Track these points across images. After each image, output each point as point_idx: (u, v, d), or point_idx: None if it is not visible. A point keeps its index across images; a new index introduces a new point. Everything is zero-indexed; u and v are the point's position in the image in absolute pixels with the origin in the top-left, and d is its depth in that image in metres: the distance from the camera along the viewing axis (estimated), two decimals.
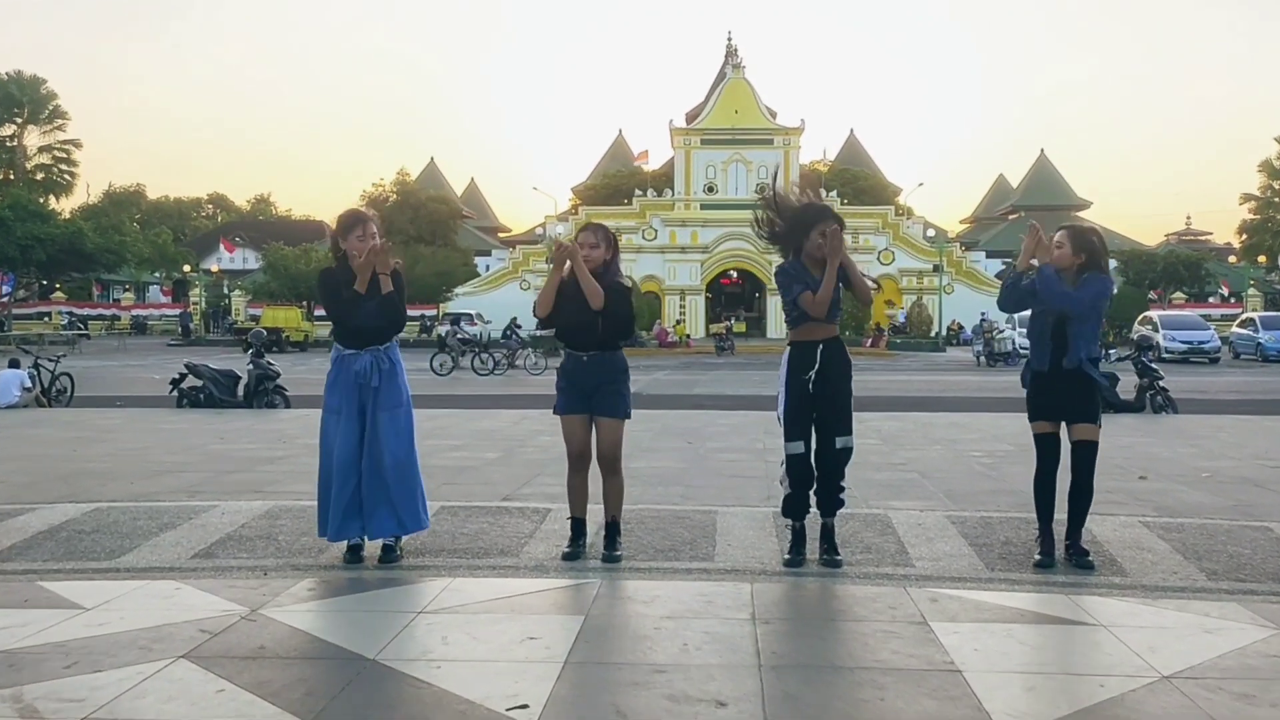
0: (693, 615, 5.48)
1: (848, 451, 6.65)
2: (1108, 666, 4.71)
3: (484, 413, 17.88)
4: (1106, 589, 6.12)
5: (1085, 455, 6.62)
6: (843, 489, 6.72)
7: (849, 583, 6.23)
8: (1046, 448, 6.71)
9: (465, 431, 14.45)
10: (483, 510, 8.34)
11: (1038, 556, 6.67)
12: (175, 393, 19.62)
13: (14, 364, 20.91)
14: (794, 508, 6.74)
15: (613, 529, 6.90)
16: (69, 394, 22.22)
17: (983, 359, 40.42)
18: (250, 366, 19.72)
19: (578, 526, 6.89)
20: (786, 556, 6.68)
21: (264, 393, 19.66)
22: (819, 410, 6.57)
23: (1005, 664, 4.80)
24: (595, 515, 7.10)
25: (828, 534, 6.74)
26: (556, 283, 6.72)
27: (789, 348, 6.68)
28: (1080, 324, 6.54)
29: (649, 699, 4.31)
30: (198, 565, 6.59)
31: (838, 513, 6.77)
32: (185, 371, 19.75)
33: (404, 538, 6.85)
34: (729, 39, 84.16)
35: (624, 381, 6.82)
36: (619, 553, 6.76)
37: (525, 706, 4.15)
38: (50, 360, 22.20)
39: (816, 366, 6.51)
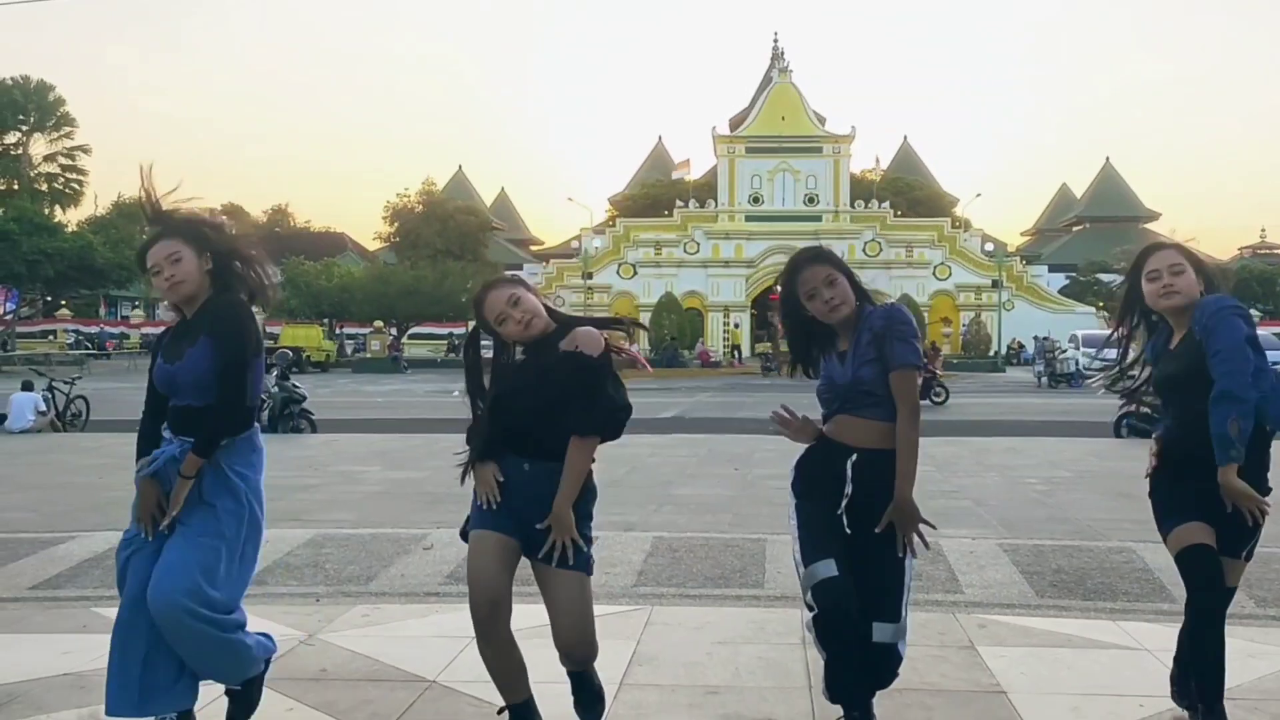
0: (744, 641, 6.00)
1: (892, 651, 4.38)
2: (1149, 688, 5.15)
3: None
4: (1154, 615, 6.59)
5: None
6: None
7: None
8: (1209, 571, 4.40)
9: None
10: None
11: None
12: None
13: (27, 386, 21.61)
14: (842, 685, 4.28)
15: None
16: (84, 418, 22.81)
17: (1044, 380, 41.21)
18: (275, 389, 20.10)
19: (522, 715, 4.31)
20: None
21: (289, 416, 20.20)
22: (851, 560, 4.25)
23: (1050, 686, 5.27)
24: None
25: None
26: None
27: (803, 453, 4.54)
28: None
29: (704, 719, 4.80)
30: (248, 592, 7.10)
31: None
32: None
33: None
34: (775, 41, 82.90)
35: (588, 508, 4.34)
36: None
37: None
38: (65, 383, 22.82)
39: (848, 492, 4.26)
